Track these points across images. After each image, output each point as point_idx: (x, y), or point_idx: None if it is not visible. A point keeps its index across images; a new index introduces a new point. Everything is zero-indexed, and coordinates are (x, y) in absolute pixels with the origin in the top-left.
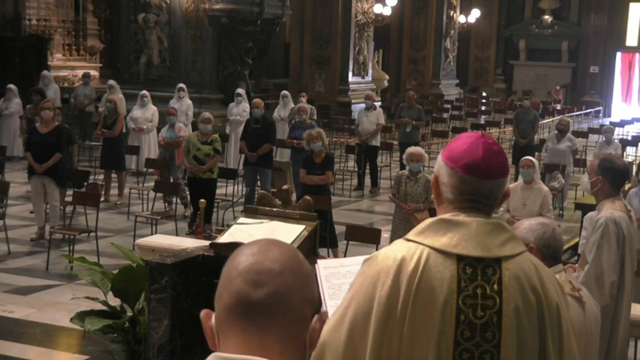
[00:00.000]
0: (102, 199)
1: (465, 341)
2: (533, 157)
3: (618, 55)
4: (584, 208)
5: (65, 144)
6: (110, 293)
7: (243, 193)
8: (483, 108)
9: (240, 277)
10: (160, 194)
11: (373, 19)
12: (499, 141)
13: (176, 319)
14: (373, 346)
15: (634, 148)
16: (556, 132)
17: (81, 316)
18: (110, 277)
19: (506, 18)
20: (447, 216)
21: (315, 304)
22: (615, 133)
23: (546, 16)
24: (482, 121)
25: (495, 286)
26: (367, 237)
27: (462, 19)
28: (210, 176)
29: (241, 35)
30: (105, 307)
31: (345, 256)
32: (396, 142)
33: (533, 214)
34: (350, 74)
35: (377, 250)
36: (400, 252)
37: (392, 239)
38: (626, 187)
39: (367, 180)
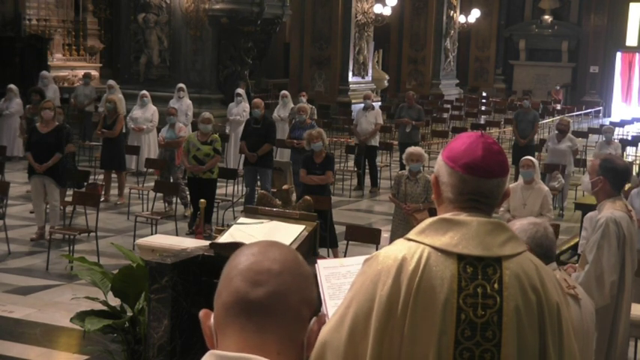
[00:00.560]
0: (102, 199)
1: (466, 340)
2: (533, 157)
3: (618, 55)
4: (585, 208)
5: (65, 144)
6: (110, 293)
7: (243, 193)
8: (483, 108)
9: (239, 276)
10: (160, 194)
11: (373, 19)
12: (499, 141)
13: (176, 319)
14: (374, 346)
15: (634, 148)
16: (556, 132)
17: (81, 316)
18: (110, 277)
19: (506, 18)
20: (447, 215)
21: (313, 305)
22: (615, 133)
23: (546, 16)
24: (482, 121)
25: (496, 286)
26: (367, 237)
27: (462, 19)
28: (210, 176)
29: (241, 35)
30: (105, 307)
31: (345, 256)
32: (395, 142)
33: (533, 213)
34: (350, 74)
35: (377, 250)
36: (401, 251)
37: (391, 239)
38: (627, 187)
39: (367, 180)
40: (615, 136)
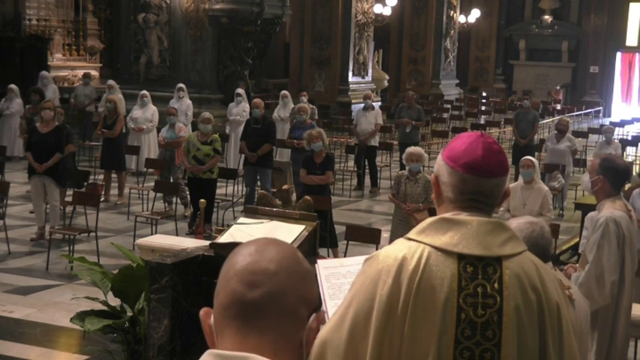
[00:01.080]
0: (102, 199)
1: (466, 340)
2: (533, 157)
3: (618, 55)
4: (584, 208)
5: (65, 144)
6: (110, 293)
7: (243, 193)
8: (483, 108)
9: (236, 277)
10: (160, 194)
11: (373, 19)
12: (499, 141)
13: (176, 319)
14: (374, 345)
15: (634, 148)
16: (555, 132)
17: (81, 316)
18: (110, 277)
19: (506, 18)
20: (447, 215)
21: (312, 303)
22: (615, 133)
23: (546, 16)
24: (482, 121)
25: (496, 285)
26: (367, 237)
27: (462, 19)
28: (210, 176)
29: (241, 35)
30: (105, 307)
31: (345, 256)
32: (395, 142)
33: (533, 213)
34: (350, 74)
35: (377, 250)
36: (401, 251)
37: (391, 239)
38: (627, 187)
39: (367, 180)
40: (615, 136)
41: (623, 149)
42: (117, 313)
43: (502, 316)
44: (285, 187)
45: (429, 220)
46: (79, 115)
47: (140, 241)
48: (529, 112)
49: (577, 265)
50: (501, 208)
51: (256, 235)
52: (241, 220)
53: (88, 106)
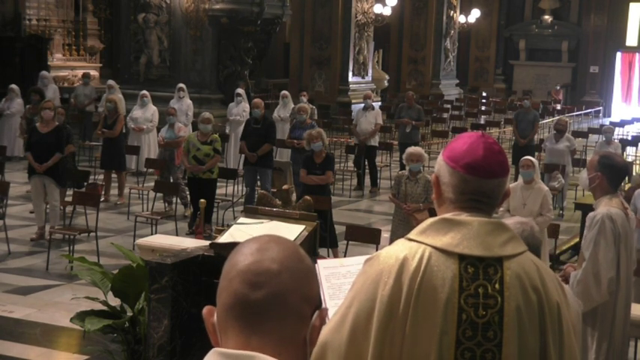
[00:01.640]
0: (102, 199)
1: (467, 340)
2: (533, 157)
3: (618, 55)
4: (584, 208)
5: (65, 144)
6: (110, 293)
7: (243, 193)
8: (483, 108)
9: (238, 277)
10: (160, 194)
11: (373, 19)
12: (499, 141)
13: (176, 319)
14: (375, 346)
15: (634, 148)
16: (554, 132)
17: (81, 316)
18: (110, 277)
19: (506, 18)
20: (448, 215)
21: (314, 301)
22: (615, 133)
23: (546, 16)
24: (482, 121)
25: (497, 286)
26: (367, 237)
27: (462, 19)
28: (210, 176)
29: (241, 35)
30: (105, 307)
31: (345, 256)
32: (395, 142)
33: (533, 213)
34: (350, 74)
35: (377, 250)
36: (402, 251)
37: (391, 239)
38: (626, 187)
39: (367, 180)
40: (615, 136)
41: (623, 149)
42: (117, 313)
43: (503, 316)
44: (285, 187)
45: (430, 220)
46: (79, 115)
47: (140, 241)
48: (529, 112)
49: (576, 264)
50: (501, 209)
51: (256, 235)
52: (241, 220)
53: (88, 106)
